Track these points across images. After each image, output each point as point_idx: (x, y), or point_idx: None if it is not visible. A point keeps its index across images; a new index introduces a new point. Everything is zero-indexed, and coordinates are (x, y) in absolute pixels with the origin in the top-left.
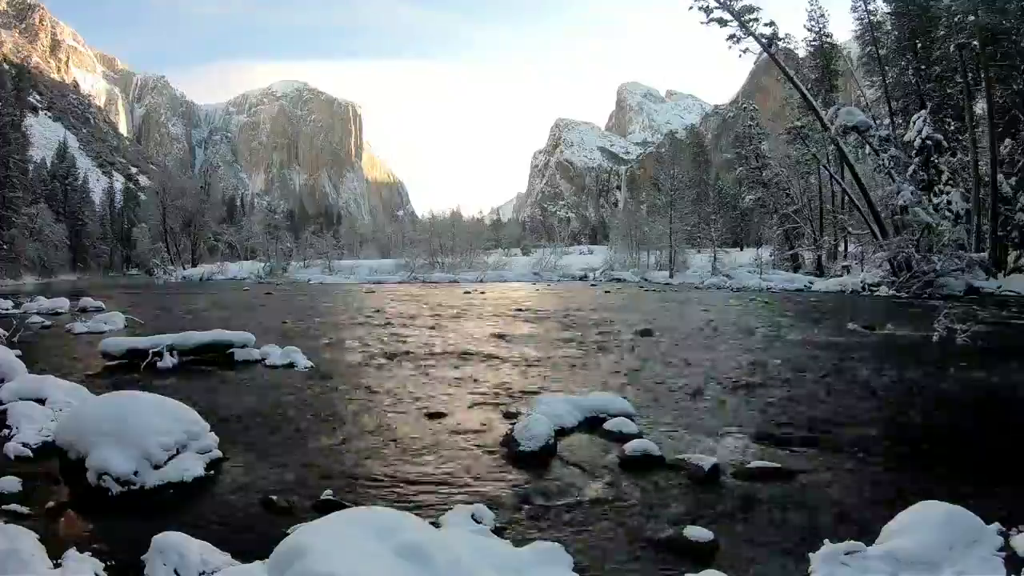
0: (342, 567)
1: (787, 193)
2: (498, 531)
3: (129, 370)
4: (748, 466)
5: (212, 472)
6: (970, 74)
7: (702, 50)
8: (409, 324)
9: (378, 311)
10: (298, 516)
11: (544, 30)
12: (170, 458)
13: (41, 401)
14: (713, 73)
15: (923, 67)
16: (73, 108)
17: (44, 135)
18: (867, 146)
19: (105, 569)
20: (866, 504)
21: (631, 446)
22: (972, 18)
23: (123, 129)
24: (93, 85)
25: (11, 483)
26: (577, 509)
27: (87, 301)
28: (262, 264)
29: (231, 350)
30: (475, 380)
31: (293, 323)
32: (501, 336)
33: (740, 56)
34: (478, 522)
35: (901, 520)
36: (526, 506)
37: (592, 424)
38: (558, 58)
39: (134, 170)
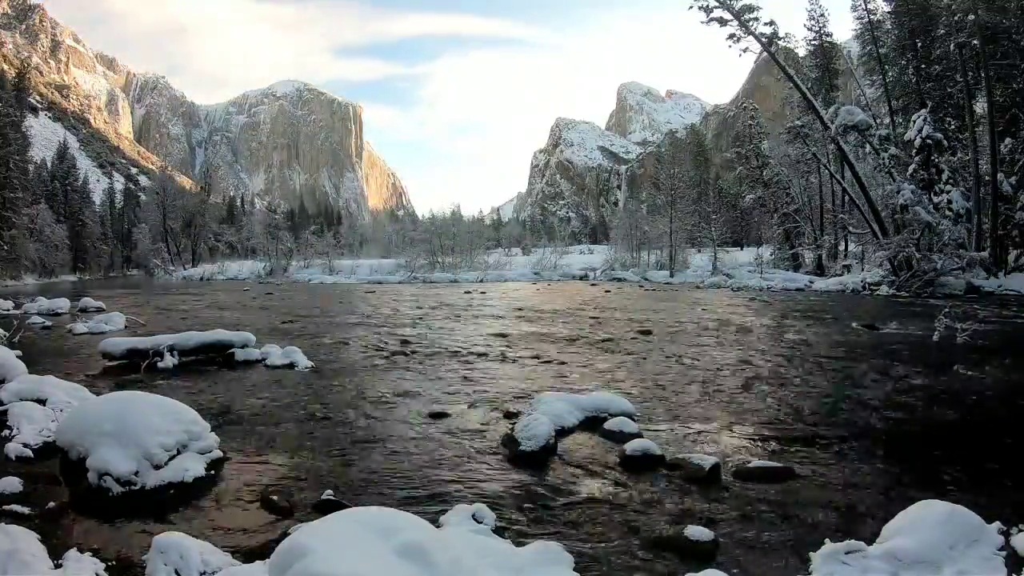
0: (343, 567)
1: (787, 192)
2: (498, 531)
3: (129, 370)
4: (748, 466)
5: (212, 472)
6: (970, 73)
7: (702, 50)
8: (409, 324)
9: (378, 311)
10: (298, 516)
11: (544, 30)
12: (171, 458)
13: (42, 402)
14: (713, 73)
15: (923, 66)
16: (73, 108)
17: (44, 135)
18: (867, 145)
19: (106, 569)
20: (866, 504)
21: (631, 446)
22: (972, 17)
23: (123, 129)
24: (93, 85)
25: (12, 483)
26: (577, 509)
27: (87, 301)
28: (262, 264)
29: (231, 350)
30: (475, 380)
31: (293, 323)
32: (501, 336)
33: (740, 55)
34: (478, 522)
35: (901, 520)
36: (526, 506)
37: (592, 424)
38: (558, 58)
39: (134, 170)
